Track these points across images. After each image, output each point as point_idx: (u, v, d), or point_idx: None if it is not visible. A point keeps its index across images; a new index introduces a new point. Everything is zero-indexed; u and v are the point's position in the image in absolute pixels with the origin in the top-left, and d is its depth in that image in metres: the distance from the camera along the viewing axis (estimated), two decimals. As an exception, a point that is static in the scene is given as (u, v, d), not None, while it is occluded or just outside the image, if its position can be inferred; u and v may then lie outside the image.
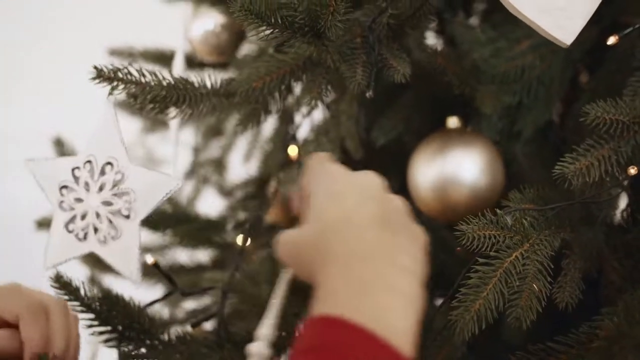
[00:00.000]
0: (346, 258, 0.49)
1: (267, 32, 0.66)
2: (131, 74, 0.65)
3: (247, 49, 0.99)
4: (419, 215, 0.85)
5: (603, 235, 0.72)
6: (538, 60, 0.84)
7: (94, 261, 1.01)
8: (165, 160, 1.15)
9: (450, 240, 0.85)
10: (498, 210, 0.66)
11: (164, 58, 0.99)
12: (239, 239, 1.02)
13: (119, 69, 0.64)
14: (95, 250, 0.67)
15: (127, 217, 0.65)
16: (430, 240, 0.89)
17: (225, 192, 1.13)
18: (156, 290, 1.07)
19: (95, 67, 0.64)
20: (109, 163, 0.65)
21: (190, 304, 1.04)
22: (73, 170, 0.67)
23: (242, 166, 1.18)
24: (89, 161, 0.66)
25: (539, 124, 0.86)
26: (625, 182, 0.71)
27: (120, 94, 0.65)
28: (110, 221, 0.65)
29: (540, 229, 0.66)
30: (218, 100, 0.68)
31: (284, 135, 1.06)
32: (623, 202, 0.76)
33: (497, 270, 0.63)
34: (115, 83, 0.64)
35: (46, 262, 0.69)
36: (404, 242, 0.51)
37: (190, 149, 1.19)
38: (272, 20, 0.65)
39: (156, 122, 1.18)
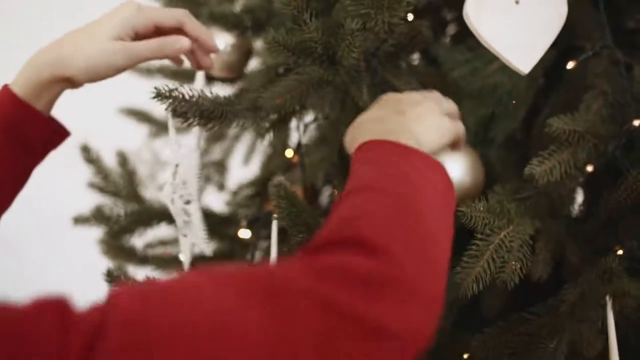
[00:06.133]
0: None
1: (292, 59, 0.79)
2: (183, 94, 0.76)
3: (253, 65, 1.10)
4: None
5: (564, 225, 0.85)
6: (507, 78, 0.95)
7: (116, 252, 1.11)
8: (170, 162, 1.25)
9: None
10: (490, 198, 0.79)
11: (181, 74, 1.09)
12: (242, 233, 1.13)
13: (173, 89, 0.75)
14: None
15: (189, 202, 0.80)
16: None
17: (231, 191, 1.24)
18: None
19: (155, 88, 0.74)
20: (176, 165, 0.80)
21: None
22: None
23: (241, 168, 1.29)
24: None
25: (509, 131, 0.98)
26: (581, 180, 0.86)
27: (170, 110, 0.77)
28: (185, 209, 0.80)
29: (521, 215, 0.78)
30: (248, 114, 0.81)
31: (284, 139, 1.18)
32: (580, 199, 0.91)
33: (490, 244, 0.76)
34: (171, 100, 0.75)
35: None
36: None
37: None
38: (297, 51, 0.78)
39: (162, 128, 1.28)
